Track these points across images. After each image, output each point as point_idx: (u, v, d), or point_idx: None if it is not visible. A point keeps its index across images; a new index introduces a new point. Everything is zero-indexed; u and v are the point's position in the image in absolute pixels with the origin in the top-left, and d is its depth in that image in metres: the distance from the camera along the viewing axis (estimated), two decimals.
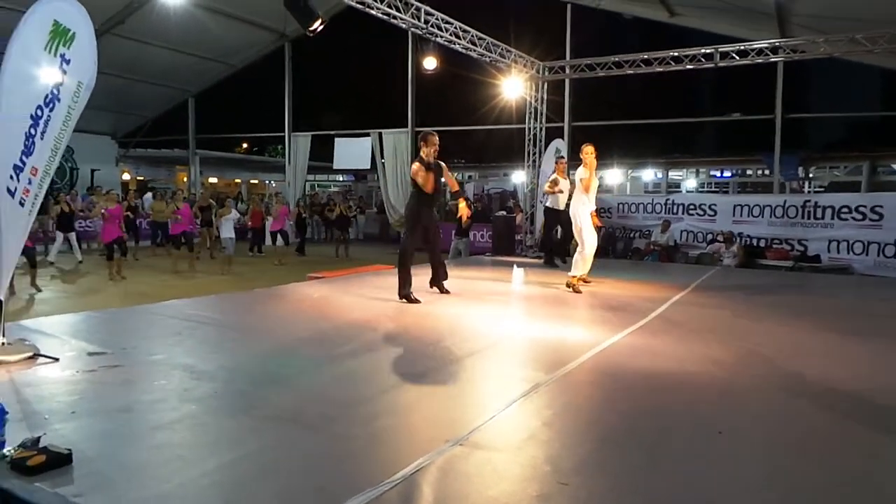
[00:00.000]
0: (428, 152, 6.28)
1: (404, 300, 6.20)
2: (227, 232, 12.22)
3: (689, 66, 11.30)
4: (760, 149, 14.36)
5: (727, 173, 22.48)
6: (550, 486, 2.43)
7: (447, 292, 6.75)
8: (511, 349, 4.83)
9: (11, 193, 3.83)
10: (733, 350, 4.73)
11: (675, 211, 12.84)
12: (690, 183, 23.32)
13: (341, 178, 28.21)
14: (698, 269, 10.28)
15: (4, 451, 2.45)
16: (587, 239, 7.27)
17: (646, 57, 11.53)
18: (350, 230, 18.67)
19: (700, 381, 3.94)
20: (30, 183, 3.81)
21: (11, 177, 3.82)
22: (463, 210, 6.73)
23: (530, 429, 3.05)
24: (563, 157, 10.27)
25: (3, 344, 3.84)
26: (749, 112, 14.53)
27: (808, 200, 11.67)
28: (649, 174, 22.07)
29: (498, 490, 2.39)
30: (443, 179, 6.55)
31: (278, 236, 14.20)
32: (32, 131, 3.80)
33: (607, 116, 15.33)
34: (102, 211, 10.87)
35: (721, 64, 10.98)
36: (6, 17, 4.06)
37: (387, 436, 2.94)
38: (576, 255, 7.38)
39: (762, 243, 11.77)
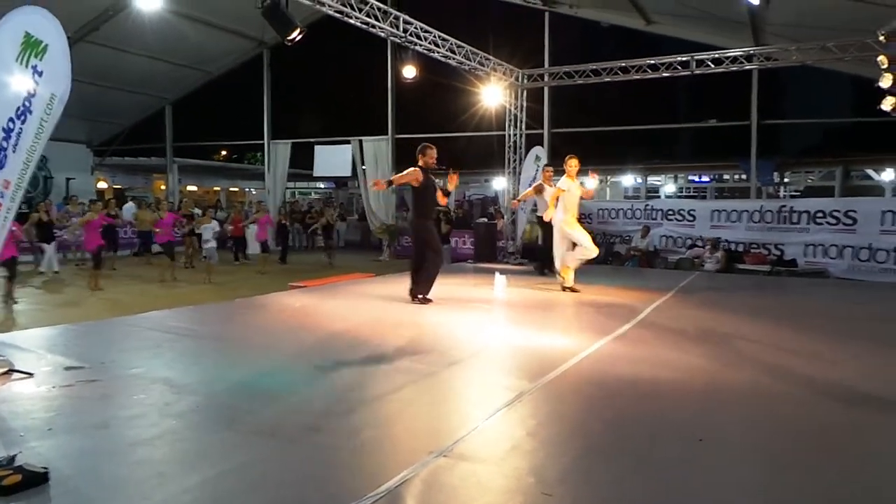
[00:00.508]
0: (426, 163, 6.64)
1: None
2: (210, 241, 12.09)
3: (665, 74, 11.47)
4: (737, 154, 14.60)
5: (705, 178, 22.83)
6: (535, 497, 2.44)
7: (425, 302, 6.79)
8: (494, 357, 4.84)
9: None
10: (715, 355, 4.78)
11: (654, 216, 12.98)
12: (669, 188, 23.61)
13: (321, 186, 28.05)
14: (678, 275, 10.41)
15: None
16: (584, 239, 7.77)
17: (623, 65, 11.68)
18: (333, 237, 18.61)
19: (683, 387, 3.97)
20: (2, 196, 3.75)
21: None
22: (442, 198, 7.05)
23: (514, 438, 3.05)
24: (549, 166, 10.36)
25: None
26: (725, 118, 14.78)
27: (784, 205, 11.87)
28: (629, 180, 22.30)
29: (482, 502, 2.39)
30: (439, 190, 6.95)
31: (258, 245, 14.06)
32: (4, 144, 3.74)
33: (586, 123, 15.47)
34: (84, 220, 10.74)
35: (697, 71, 11.15)
36: None
37: (370, 447, 2.92)
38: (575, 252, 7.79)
39: (740, 248, 11.93)
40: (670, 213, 12.96)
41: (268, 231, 14.43)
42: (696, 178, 23.38)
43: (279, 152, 18.63)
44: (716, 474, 2.71)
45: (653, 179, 22.58)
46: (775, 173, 15.68)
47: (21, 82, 3.71)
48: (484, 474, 2.64)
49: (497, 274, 10.06)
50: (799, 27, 10.60)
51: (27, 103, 3.71)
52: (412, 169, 6.63)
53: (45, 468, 2.41)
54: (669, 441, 3.06)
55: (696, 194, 23.26)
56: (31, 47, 3.72)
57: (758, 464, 2.82)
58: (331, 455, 2.80)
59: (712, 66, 11.04)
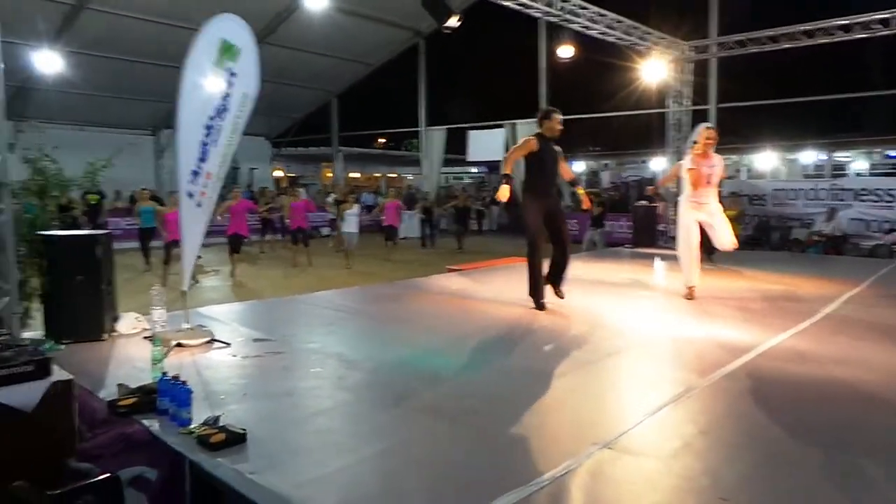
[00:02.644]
0: (550, 128, 5.58)
1: (536, 308, 5.56)
2: (351, 226, 12.22)
3: (861, 35, 10.06)
4: None
5: None
6: (711, 501, 2.29)
7: (561, 296, 5.79)
8: (658, 349, 4.59)
9: (191, 196, 4.28)
10: None
11: (842, 197, 11.56)
12: (859, 165, 20.81)
13: (475, 171, 28.50)
14: (874, 263, 9.16)
15: (192, 427, 2.75)
16: (679, 239, 6.37)
17: (808, 28, 10.42)
18: (483, 221, 18.81)
19: (884, 392, 3.50)
20: (205, 186, 4.24)
21: (190, 181, 4.27)
22: (584, 198, 6.06)
23: (684, 436, 2.88)
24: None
25: (186, 329, 4.32)
26: None
27: None
28: (809, 156, 20.02)
29: (652, 500, 2.29)
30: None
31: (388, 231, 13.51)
32: (206, 140, 4.22)
33: (758, 95, 14.09)
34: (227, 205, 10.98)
35: None
36: (186, 35, 4.49)
37: (532, 434, 2.91)
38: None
39: None
40: (863, 192, 11.45)
41: (398, 217, 13.78)
42: (894, 154, 20.36)
43: (434, 138, 19.22)
44: None
45: (838, 156, 20.05)
46: None
47: (219, 84, 4.17)
48: (652, 471, 2.53)
49: (657, 259, 9.55)
50: None
51: (224, 102, 4.15)
52: (523, 140, 5.66)
53: (243, 429, 2.71)
54: (868, 454, 2.70)
55: (893, 171, 20.31)
56: (227, 51, 4.15)
57: None
58: (493, 439, 2.84)
59: None
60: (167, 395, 2.89)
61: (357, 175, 27.53)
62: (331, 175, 24.25)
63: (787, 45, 10.77)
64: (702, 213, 6.15)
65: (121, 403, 2.98)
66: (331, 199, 17.34)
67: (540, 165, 5.52)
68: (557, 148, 5.73)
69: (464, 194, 17.07)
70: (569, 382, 3.70)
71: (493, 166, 24.95)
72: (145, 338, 4.27)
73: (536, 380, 3.74)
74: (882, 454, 2.69)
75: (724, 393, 3.52)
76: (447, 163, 21.28)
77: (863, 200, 11.37)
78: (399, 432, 2.93)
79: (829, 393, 3.49)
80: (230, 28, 4.19)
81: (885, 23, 9.75)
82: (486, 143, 17.99)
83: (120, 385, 3.16)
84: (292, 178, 24.98)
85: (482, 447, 2.77)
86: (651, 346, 4.63)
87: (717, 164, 6.21)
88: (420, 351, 4.38)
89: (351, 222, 12.29)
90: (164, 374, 3.02)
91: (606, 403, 3.40)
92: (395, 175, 29.52)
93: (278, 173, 24.31)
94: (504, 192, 5.41)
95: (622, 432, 2.87)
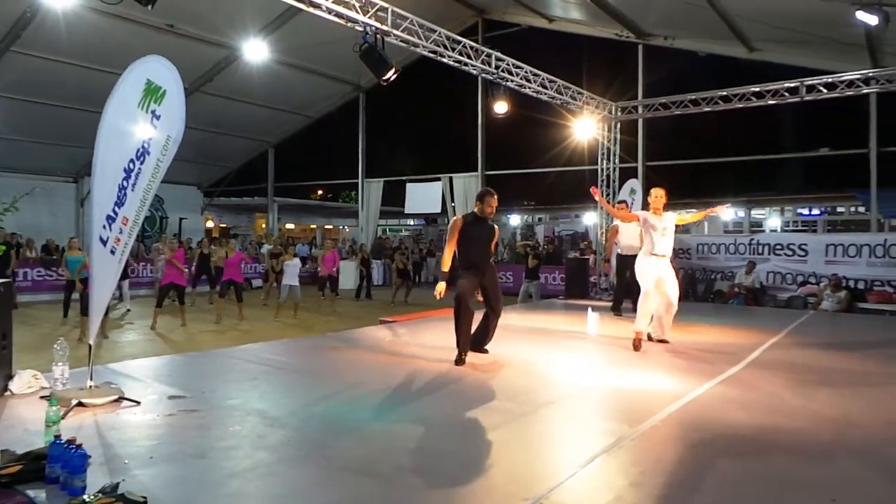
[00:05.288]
0: (482, 210, 5.63)
1: (456, 362, 5.44)
2: (292, 279, 11.71)
3: (771, 102, 10.85)
4: (853, 185, 13.52)
5: (815, 211, 21.26)
6: None
7: (484, 351, 5.80)
8: (590, 399, 4.58)
9: (104, 242, 4.02)
10: (842, 402, 4.29)
11: (760, 251, 12.15)
12: (774, 222, 22.17)
13: (412, 223, 28.62)
14: (791, 314, 9.60)
15: (84, 497, 2.47)
16: (642, 287, 6.40)
17: (724, 94, 11.17)
18: (421, 273, 18.71)
19: (807, 439, 3.56)
20: (121, 232, 3.99)
21: (104, 226, 4.02)
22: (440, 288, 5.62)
23: (615, 489, 2.81)
24: (624, 202, 10.06)
25: (90, 387, 3.97)
26: (839, 146, 13.73)
27: None
28: (729, 213, 21.17)
29: None
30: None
31: (327, 283, 13.00)
32: (125, 183, 4.00)
33: (683, 155, 14.88)
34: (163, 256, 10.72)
35: (808, 97, 10.48)
36: (113, 80, 4.33)
37: (463, 492, 2.78)
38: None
39: (861, 285, 10.90)
40: (779, 247, 12.09)
41: (334, 267, 13.29)
42: (805, 212, 21.83)
43: (372, 190, 19.25)
44: None
45: (756, 213, 21.32)
46: None
47: (141, 126, 3.98)
48: None
49: (589, 311, 9.70)
50: None
51: (146, 145, 3.96)
52: (451, 223, 5.71)
53: (144, 497, 2.45)
54: (797, 502, 2.71)
55: (804, 228, 21.70)
56: (152, 93, 3.98)
57: None
58: (423, 498, 2.69)
59: (825, 90, 10.33)
60: (59, 460, 2.60)
61: (292, 226, 27.11)
62: (265, 226, 23.78)
63: (706, 109, 11.49)
64: (660, 271, 6.34)
65: (2, 472, 2.64)
66: (264, 250, 16.90)
67: (470, 242, 5.58)
68: (494, 226, 5.85)
69: (400, 254, 16.56)
70: (501, 435, 3.59)
71: (430, 218, 25.17)
72: (42, 397, 3.89)
73: (469, 434, 3.62)
74: (813, 502, 2.69)
75: (654, 442, 3.50)
76: (384, 214, 21.27)
77: (778, 254, 12.01)
78: (322, 495, 2.73)
79: (755, 440, 3.52)
80: (156, 69, 4.04)
81: (793, 91, 10.58)
82: (423, 196, 18.15)
83: (3, 451, 2.80)
84: (224, 228, 24.35)
85: None
86: (583, 396, 4.61)
87: (669, 220, 6.47)
88: (348, 406, 4.18)
89: (292, 274, 11.85)
90: (58, 437, 2.73)
91: (538, 456, 3.30)
92: (331, 226, 29.27)
93: (210, 224, 23.63)
94: (441, 289, 5.53)
95: (553, 486, 2.77)
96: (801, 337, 7.26)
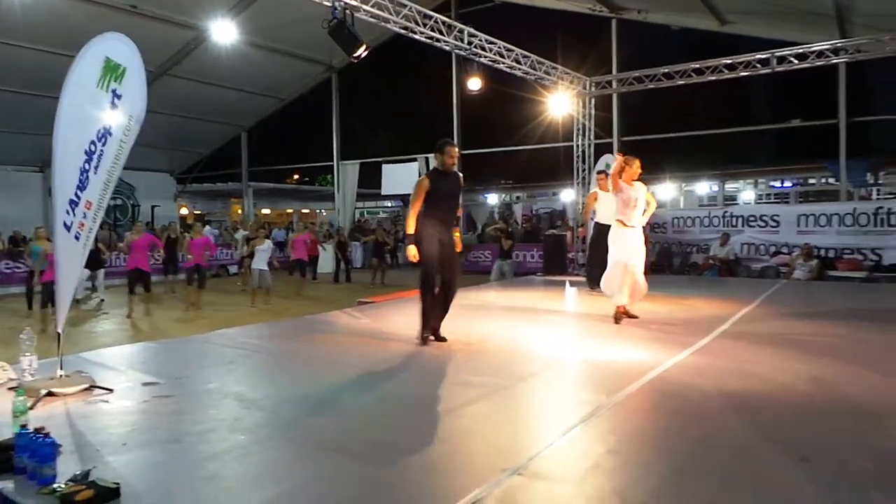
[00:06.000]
0: (442, 162, 5.37)
1: (420, 342, 5.29)
2: (260, 264, 11.45)
3: (743, 73, 10.90)
4: (824, 156, 13.72)
5: (787, 183, 21.55)
6: None
7: (442, 339, 5.39)
8: (568, 371, 4.61)
9: (67, 228, 3.91)
10: (810, 368, 4.38)
11: (734, 223, 12.34)
12: (748, 195, 22.44)
13: (389, 204, 28.46)
14: (764, 283, 9.77)
15: (55, 485, 2.42)
16: (617, 259, 6.34)
17: (697, 66, 11.20)
18: (398, 255, 18.68)
19: (778, 402, 3.63)
20: (84, 217, 3.88)
21: (68, 211, 3.90)
22: (458, 242, 5.53)
23: (593, 456, 2.83)
24: (604, 172, 9.98)
25: (60, 376, 3.88)
26: (810, 118, 13.91)
27: (881, 207, 11.01)
28: (703, 188, 21.39)
29: None
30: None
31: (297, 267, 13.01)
32: (87, 166, 3.88)
33: (657, 130, 14.96)
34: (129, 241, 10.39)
35: (778, 69, 10.53)
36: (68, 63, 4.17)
37: (441, 464, 2.79)
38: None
39: (831, 254, 11.13)
40: (752, 218, 12.27)
41: (308, 250, 13.29)
42: (778, 184, 22.13)
43: (348, 172, 19.07)
44: (819, 499, 2.41)
45: (729, 186, 21.56)
46: (868, 174, 14.61)
47: (102, 106, 3.85)
48: (562, 495, 2.45)
49: (567, 286, 9.76)
50: (891, 16, 9.85)
51: (107, 126, 3.84)
52: (416, 184, 5.36)
53: (116, 483, 2.40)
54: (768, 461, 2.76)
55: (777, 200, 22.02)
56: (111, 71, 3.85)
57: (860, 487, 2.49)
58: (400, 472, 2.69)
59: (795, 61, 10.40)
60: (26, 450, 2.53)
61: (268, 211, 26.78)
62: (240, 211, 23.46)
63: (680, 82, 11.50)
64: (633, 242, 6.28)
65: None
66: (240, 235, 16.70)
67: (435, 199, 5.30)
68: (459, 176, 5.54)
69: (380, 228, 16.86)
70: (480, 409, 3.60)
71: (407, 199, 25.03)
72: (10, 388, 3.79)
73: (447, 409, 3.62)
74: (790, 462, 2.74)
75: (630, 411, 3.53)
76: (361, 197, 21.10)
77: (752, 226, 12.19)
78: (299, 473, 2.71)
79: (728, 405, 3.57)
80: (115, 47, 3.91)
81: (764, 62, 10.64)
82: (400, 177, 17.99)
83: None
84: (198, 214, 23.96)
85: (389, 481, 2.61)
86: (561, 369, 4.64)
87: (641, 192, 6.36)
88: (325, 387, 4.15)
89: (261, 258, 11.59)
90: (24, 427, 2.66)
91: (517, 428, 3.32)
92: (308, 210, 28.96)
93: (184, 211, 23.23)
94: (412, 252, 5.25)
95: (532, 456, 2.79)
96: (773, 306, 7.38)
